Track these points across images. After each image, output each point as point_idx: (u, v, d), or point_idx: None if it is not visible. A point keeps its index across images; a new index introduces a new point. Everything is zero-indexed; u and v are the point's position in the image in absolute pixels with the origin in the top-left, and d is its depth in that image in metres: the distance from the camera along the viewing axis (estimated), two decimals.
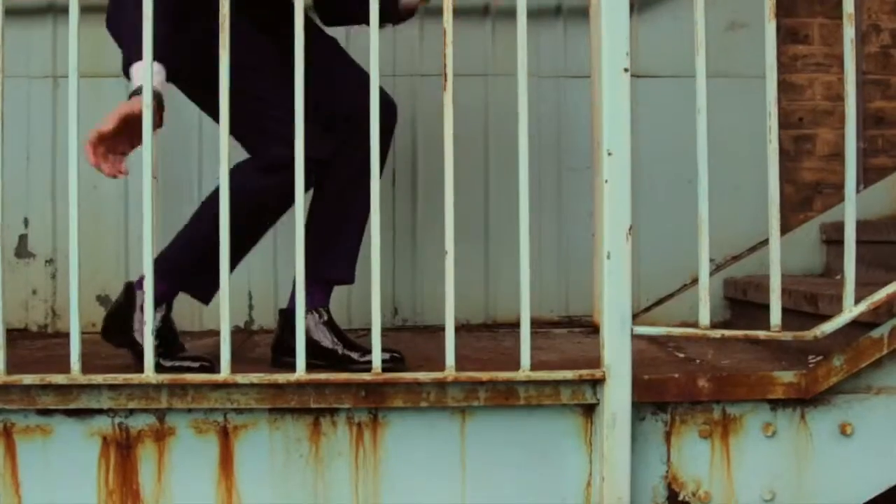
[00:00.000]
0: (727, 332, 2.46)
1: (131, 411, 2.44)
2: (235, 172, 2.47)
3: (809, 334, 2.44)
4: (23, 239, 3.77)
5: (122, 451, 2.46)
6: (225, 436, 2.46)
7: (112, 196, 3.79)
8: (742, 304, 3.72)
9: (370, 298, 2.39)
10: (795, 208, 3.91)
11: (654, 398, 2.46)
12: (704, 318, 2.42)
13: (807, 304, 3.15)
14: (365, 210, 2.68)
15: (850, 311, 2.44)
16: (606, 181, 2.38)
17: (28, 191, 3.77)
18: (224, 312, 2.36)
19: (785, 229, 3.79)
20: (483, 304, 3.78)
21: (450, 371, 2.38)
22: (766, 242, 3.83)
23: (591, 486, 2.49)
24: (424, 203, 3.78)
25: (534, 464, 2.49)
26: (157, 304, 2.72)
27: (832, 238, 3.81)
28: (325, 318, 2.82)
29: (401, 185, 3.79)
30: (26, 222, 3.78)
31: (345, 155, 2.72)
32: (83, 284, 3.60)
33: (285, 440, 2.47)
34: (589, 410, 2.48)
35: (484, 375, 2.40)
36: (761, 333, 2.44)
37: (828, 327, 2.45)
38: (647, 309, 3.84)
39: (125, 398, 2.41)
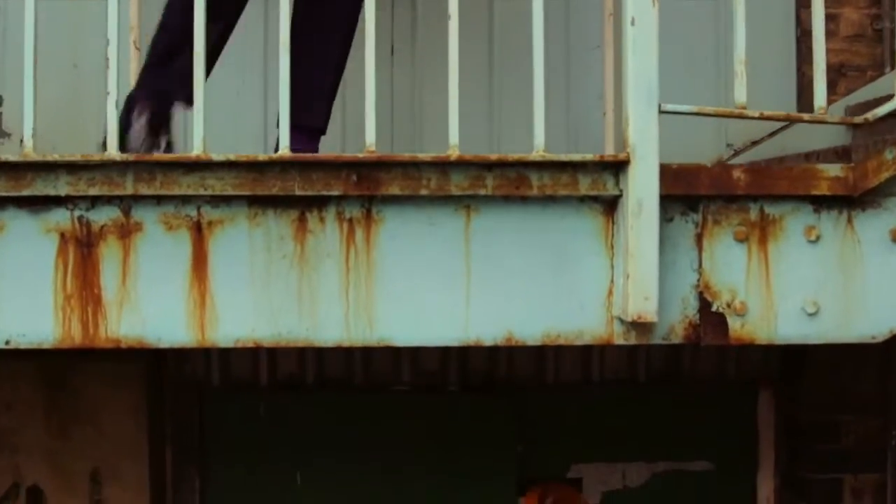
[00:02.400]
0: (767, 112, 2.13)
1: (93, 202, 2.10)
2: None
3: (860, 118, 2.11)
4: None
5: (82, 249, 2.11)
6: (198, 232, 2.11)
7: (93, 75, 3.46)
8: None
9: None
10: None
11: (685, 190, 2.11)
12: (741, 95, 2.09)
13: (838, 160, 2.82)
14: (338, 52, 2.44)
15: None
16: None
17: (3, 67, 3.45)
18: (199, 64, 2.02)
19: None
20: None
21: (453, 150, 2.04)
22: (786, 127, 3.51)
23: (612, 294, 2.14)
24: (424, 39, 3.37)
25: (547, 268, 2.14)
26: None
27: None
28: None
29: (399, 13, 3.39)
30: (0, 100, 3.44)
31: None
32: None
33: (267, 238, 2.12)
34: (610, 209, 2.14)
35: (492, 156, 2.06)
36: (806, 116, 2.11)
37: (881, 110, 2.12)
38: None
39: (85, 183, 2.06)
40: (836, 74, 3.58)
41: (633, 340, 2.14)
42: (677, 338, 2.15)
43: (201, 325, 2.11)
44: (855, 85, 3.57)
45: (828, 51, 3.56)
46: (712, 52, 3.46)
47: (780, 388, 3.67)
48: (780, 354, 3.65)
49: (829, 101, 3.47)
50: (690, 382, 3.69)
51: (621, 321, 2.13)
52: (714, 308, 2.15)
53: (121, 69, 2.12)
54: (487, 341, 2.13)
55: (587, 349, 3.64)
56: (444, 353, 3.61)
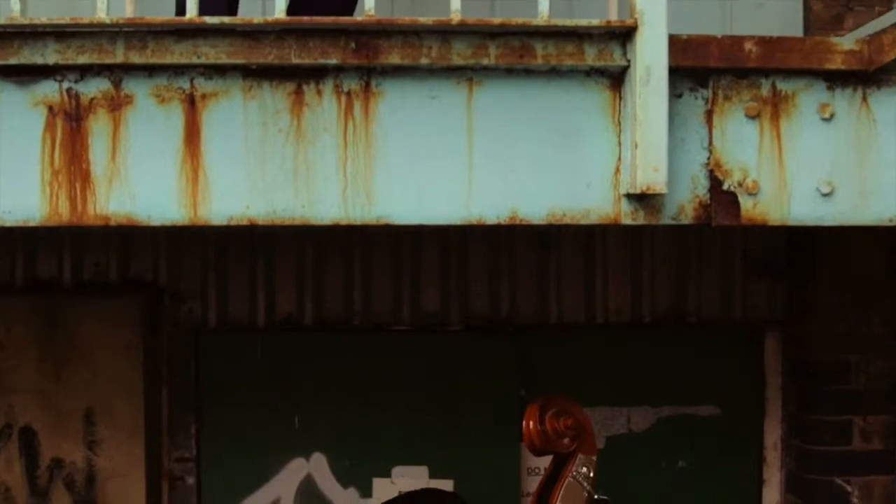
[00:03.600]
0: None
1: (82, 72, 2.00)
2: None
3: None
4: None
5: (70, 123, 2.01)
6: (191, 105, 2.02)
7: None
8: None
9: None
10: (825, 26, 3.49)
11: (694, 62, 2.02)
12: None
13: None
14: None
15: None
16: None
17: None
18: None
19: None
20: None
21: (455, 15, 1.95)
22: None
23: (619, 172, 2.04)
24: None
25: (552, 145, 2.04)
26: None
27: None
28: None
29: None
30: None
31: None
32: None
33: (262, 112, 2.02)
34: (617, 83, 2.04)
35: (495, 20, 1.97)
36: None
37: None
38: None
39: (74, 51, 1.97)
40: (844, 9, 3.50)
41: (641, 220, 2.04)
42: (687, 218, 2.05)
43: (193, 203, 2.01)
44: (862, 20, 3.48)
45: None
46: None
47: (787, 330, 3.56)
48: (787, 295, 3.55)
49: (837, 35, 3.40)
50: (695, 325, 3.58)
51: (629, 200, 2.03)
52: (725, 187, 2.05)
53: None
54: (490, 220, 2.03)
55: (590, 289, 3.54)
56: (445, 292, 3.51)
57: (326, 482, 3.54)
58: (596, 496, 2.31)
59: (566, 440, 2.32)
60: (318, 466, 3.53)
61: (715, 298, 3.55)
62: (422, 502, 2.21)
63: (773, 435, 3.63)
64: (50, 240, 3.44)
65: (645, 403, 3.61)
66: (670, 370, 3.61)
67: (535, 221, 2.03)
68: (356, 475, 3.51)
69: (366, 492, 3.49)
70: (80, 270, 3.47)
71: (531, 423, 2.31)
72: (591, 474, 2.33)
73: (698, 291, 3.55)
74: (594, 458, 2.35)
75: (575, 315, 3.53)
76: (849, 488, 3.39)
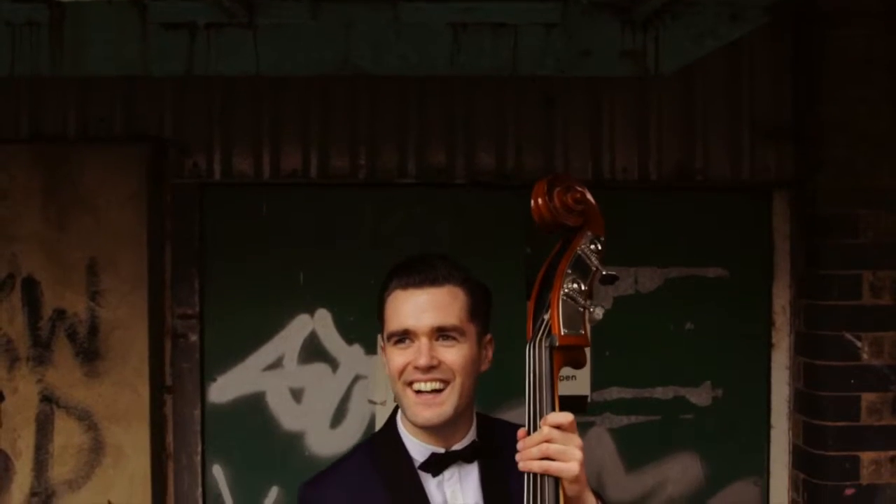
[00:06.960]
0: None
1: None
2: None
3: None
4: None
5: None
6: None
7: None
8: None
9: None
10: None
11: None
12: None
13: None
14: None
15: None
16: None
17: None
18: None
19: None
20: None
21: None
22: None
23: None
24: None
25: None
26: None
27: None
28: None
29: None
30: None
31: None
32: None
33: None
34: None
35: None
36: None
37: None
38: None
39: None
40: None
41: None
42: None
43: None
44: None
45: None
46: None
47: (795, 188, 3.50)
48: (795, 156, 3.49)
49: None
50: (703, 185, 3.52)
51: None
52: None
53: None
54: None
55: (597, 146, 3.48)
56: (451, 147, 3.45)
57: (331, 338, 3.47)
58: (605, 272, 2.25)
59: (574, 215, 2.26)
60: (322, 323, 3.46)
61: (722, 158, 3.48)
62: (435, 261, 2.18)
63: (781, 299, 3.56)
64: (55, 93, 3.39)
65: (652, 264, 3.55)
66: (678, 231, 3.55)
67: None
68: (361, 331, 3.44)
69: (370, 348, 3.43)
70: (85, 126, 3.41)
71: (539, 197, 2.24)
72: (600, 249, 2.26)
73: (706, 151, 3.48)
74: (602, 238, 2.29)
75: (581, 172, 3.46)
76: (858, 343, 3.31)
